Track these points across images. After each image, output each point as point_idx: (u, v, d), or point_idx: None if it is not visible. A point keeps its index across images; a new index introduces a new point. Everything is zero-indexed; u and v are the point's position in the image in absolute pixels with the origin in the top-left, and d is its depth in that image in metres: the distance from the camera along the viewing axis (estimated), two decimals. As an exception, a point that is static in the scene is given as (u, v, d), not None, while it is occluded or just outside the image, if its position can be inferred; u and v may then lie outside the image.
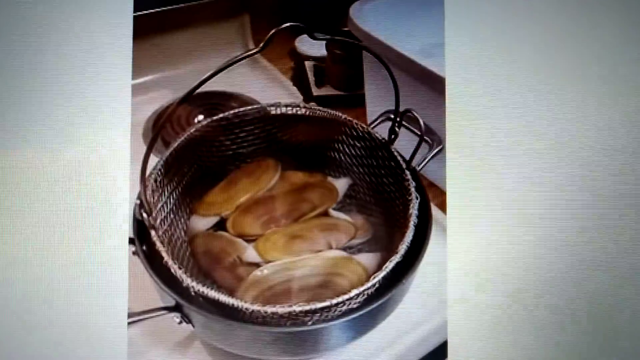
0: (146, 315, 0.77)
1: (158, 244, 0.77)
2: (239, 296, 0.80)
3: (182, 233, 0.92)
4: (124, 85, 0.84)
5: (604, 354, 0.80)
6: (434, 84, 0.87)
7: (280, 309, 0.72)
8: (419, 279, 0.82)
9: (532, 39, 0.83)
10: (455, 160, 0.82)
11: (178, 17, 1.02)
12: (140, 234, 0.80)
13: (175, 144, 0.88)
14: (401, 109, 0.84)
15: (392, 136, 0.88)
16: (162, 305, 0.78)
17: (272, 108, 0.95)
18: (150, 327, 0.84)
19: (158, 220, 0.83)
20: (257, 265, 0.87)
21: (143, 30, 0.87)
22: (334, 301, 0.73)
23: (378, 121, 0.94)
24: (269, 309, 0.72)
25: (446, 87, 0.83)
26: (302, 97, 1.08)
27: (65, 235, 0.81)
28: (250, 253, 0.88)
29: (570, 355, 0.79)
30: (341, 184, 0.97)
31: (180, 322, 0.77)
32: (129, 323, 0.78)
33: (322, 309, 0.73)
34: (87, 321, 0.80)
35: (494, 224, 0.81)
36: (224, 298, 0.73)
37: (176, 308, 0.77)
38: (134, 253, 0.80)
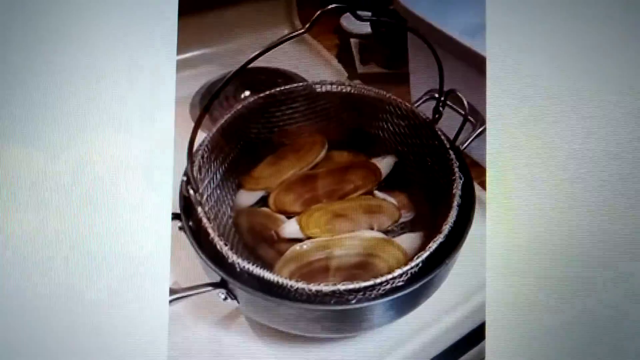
0: (192, 292, 0.78)
1: (204, 221, 0.78)
2: (277, 270, 0.82)
3: (229, 209, 0.93)
4: (169, 61, 0.84)
5: None
6: (476, 64, 0.86)
7: (325, 287, 0.73)
8: (459, 259, 0.82)
9: (575, 20, 0.82)
10: (495, 140, 0.82)
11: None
12: (187, 210, 0.81)
13: (222, 120, 0.89)
14: (445, 88, 0.84)
15: (437, 115, 0.88)
16: (207, 281, 0.79)
17: (317, 86, 0.95)
18: (194, 303, 0.86)
19: (205, 197, 0.84)
20: (297, 241, 0.87)
21: (189, 6, 0.87)
22: (378, 280, 0.73)
23: (422, 100, 0.94)
24: (314, 287, 0.73)
25: (487, 67, 0.83)
26: (346, 75, 1.08)
27: (109, 211, 0.82)
28: (290, 227, 0.89)
29: (614, 336, 0.79)
30: (385, 163, 0.97)
31: (226, 299, 0.78)
32: (176, 299, 0.78)
33: (366, 287, 0.73)
34: (129, 297, 0.81)
35: (534, 203, 0.81)
36: (268, 275, 0.74)
37: (221, 284, 0.78)
38: (180, 229, 0.81)
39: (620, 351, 0.79)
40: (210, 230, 0.77)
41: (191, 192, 0.78)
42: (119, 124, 0.83)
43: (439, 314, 0.87)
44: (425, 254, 0.75)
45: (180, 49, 0.85)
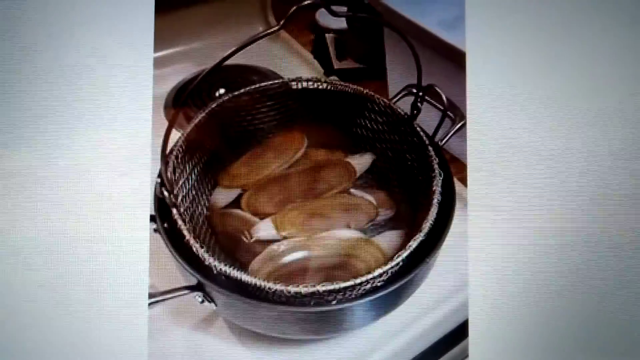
0: (168, 295, 0.77)
1: (179, 222, 0.77)
2: (253, 272, 0.81)
3: (204, 210, 0.92)
4: (146, 59, 0.83)
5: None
6: (455, 58, 0.85)
7: (304, 289, 0.72)
8: (440, 256, 0.81)
9: (555, 11, 0.82)
10: (475, 136, 0.81)
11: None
12: (162, 212, 0.80)
13: (197, 119, 0.88)
14: (423, 83, 0.83)
15: (415, 111, 0.87)
16: (184, 284, 0.78)
17: (293, 83, 0.93)
18: (171, 306, 0.85)
19: (180, 198, 0.83)
20: (271, 242, 0.86)
21: (165, 3, 0.86)
22: (358, 280, 0.73)
23: (400, 96, 0.93)
24: (292, 289, 0.72)
25: (467, 61, 0.82)
26: (323, 71, 1.07)
27: (85, 213, 0.81)
28: (264, 228, 0.87)
29: (597, 333, 0.79)
30: (363, 160, 0.96)
31: (203, 302, 0.77)
32: (152, 303, 0.78)
33: (346, 288, 0.73)
34: (108, 301, 0.80)
35: (516, 199, 0.80)
36: (245, 277, 0.73)
37: (198, 287, 0.77)
38: (155, 230, 0.80)
39: (604, 349, 0.79)
40: (185, 232, 0.76)
41: (165, 193, 0.76)
42: (96, 123, 0.82)
43: (420, 313, 0.86)
44: (405, 253, 0.75)
45: (156, 47, 0.84)
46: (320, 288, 0.72)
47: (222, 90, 0.96)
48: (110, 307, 0.80)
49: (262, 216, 0.89)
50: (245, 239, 0.87)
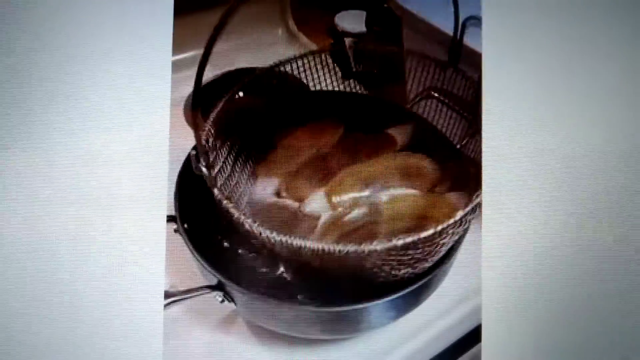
0: (188, 295, 0.78)
1: (223, 200, 0.73)
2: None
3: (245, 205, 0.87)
4: (164, 62, 0.84)
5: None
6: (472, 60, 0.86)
7: (380, 245, 0.67)
8: (455, 261, 0.82)
9: (571, 14, 0.82)
10: (491, 140, 0.81)
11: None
12: (182, 212, 0.81)
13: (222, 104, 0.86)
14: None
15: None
16: (204, 284, 0.78)
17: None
18: (191, 306, 0.85)
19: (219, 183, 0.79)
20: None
21: (184, 6, 0.86)
22: (439, 227, 0.69)
23: (419, 98, 0.94)
24: (366, 247, 0.67)
25: (482, 64, 0.82)
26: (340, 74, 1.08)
27: (104, 213, 0.81)
28: (315, 201, 0.83)
29: (613, 340, 0.79)
30: (403, 130, 0.93)
31: (223, 301, 0.78)
32: (172, 302, 0.78)
33: (426, 239, 0.69)
34: (123, 302, 0.80)
35: (530, 205, 0.80)
36: (312, 244, 0.68)
37: (218, 286, 0.77)
38: (175, 231, 0.80)
39: (620, 356, 0.79)
40: (233, 210, 0.72)
41: (204, 170, 0.73)
42: (114, 126, 0.82)
43: (435, 316, 0.86)
44: (473, 203, 0.73)
45: (175, 50, 0.84)
46: (397, 242, 0.67)
47: (240, 94, 0.97)
48: (125, 308, 0.80)
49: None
50: (296, 215, 0.82)
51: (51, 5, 0.83)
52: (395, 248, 0.68)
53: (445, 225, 0.69)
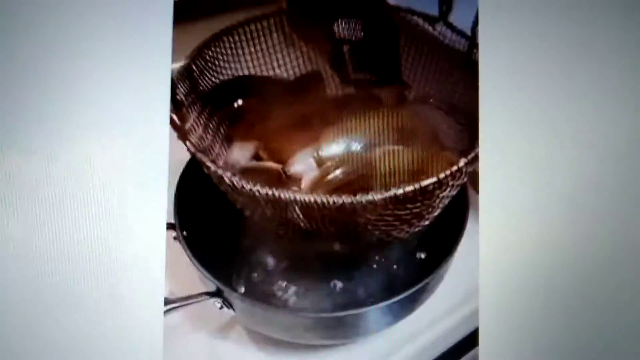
0: (187, 301, 0.78)
1: (216, 170, 0.70)
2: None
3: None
4: (164, 69, 0.84)
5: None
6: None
7: (378, 195, 0.62)
8: (452, 264, 0.83)
9: (573, 17, 0.82)
10: (488, 141, 0.81)
11: (218, 1, 1.02)
12: (181, 220, 0.81)
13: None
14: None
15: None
16: (203, 291, 0.79)
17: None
18: (190, 313, 0.86)
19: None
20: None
21: (184, 14, 0.87)
22: (442, 175, 0.66)
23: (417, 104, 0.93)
24: (363, 198, 0.62)
25: (479, 67, 0.82)
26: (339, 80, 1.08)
27: (102, 220, 0.81)
28: (300, 161, 0.80)
29: (614, 344, 0.79)
30: (392, 91, 0.91)
31: (221, 308, 0.78)
32: (171, 309, 0.78)
33: (426, 187, 0.65)
34: (123, 308, 0.81)
35: (528, 207, 0.80)
36: (304, 196, 0.63)
37: (217, 293, 0.77)
38: (174, 239, 0.81)
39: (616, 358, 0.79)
40: (226, 178, 0.68)
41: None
42: (113, 133, 0.82)
43: (431, 322, 0.87)
44: (473, 153, 0.71)
45: (175, 57, 0.84)
46: (397, 191, 0.63)
47: (239, 102, 0.97)
48: (125, 314, 0.80)
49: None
50: (280, 176, 0.78)
51: (51, 9, 0.84)
52: (393, 200, 0.64)
53: (447, 173, 0.67)
